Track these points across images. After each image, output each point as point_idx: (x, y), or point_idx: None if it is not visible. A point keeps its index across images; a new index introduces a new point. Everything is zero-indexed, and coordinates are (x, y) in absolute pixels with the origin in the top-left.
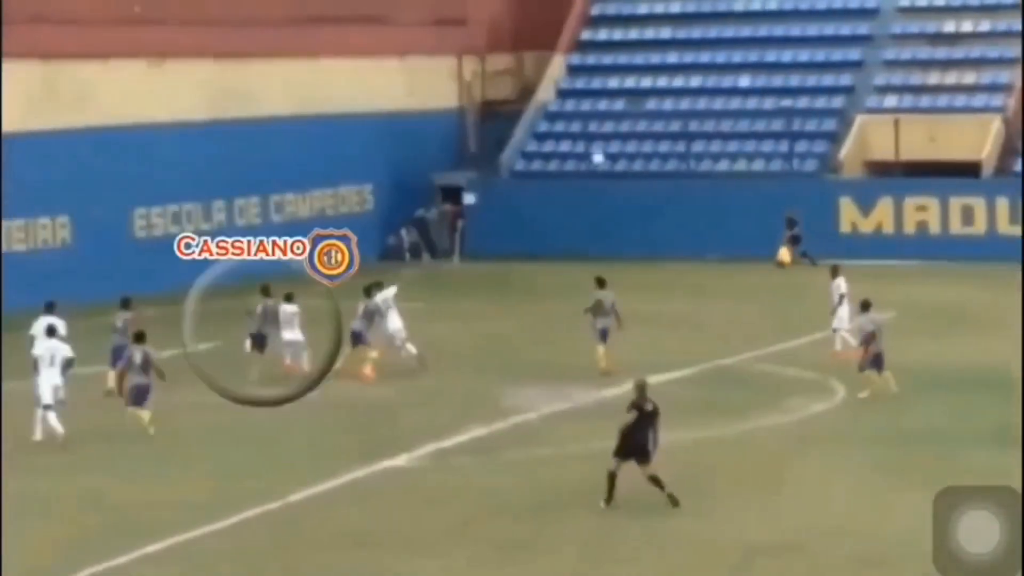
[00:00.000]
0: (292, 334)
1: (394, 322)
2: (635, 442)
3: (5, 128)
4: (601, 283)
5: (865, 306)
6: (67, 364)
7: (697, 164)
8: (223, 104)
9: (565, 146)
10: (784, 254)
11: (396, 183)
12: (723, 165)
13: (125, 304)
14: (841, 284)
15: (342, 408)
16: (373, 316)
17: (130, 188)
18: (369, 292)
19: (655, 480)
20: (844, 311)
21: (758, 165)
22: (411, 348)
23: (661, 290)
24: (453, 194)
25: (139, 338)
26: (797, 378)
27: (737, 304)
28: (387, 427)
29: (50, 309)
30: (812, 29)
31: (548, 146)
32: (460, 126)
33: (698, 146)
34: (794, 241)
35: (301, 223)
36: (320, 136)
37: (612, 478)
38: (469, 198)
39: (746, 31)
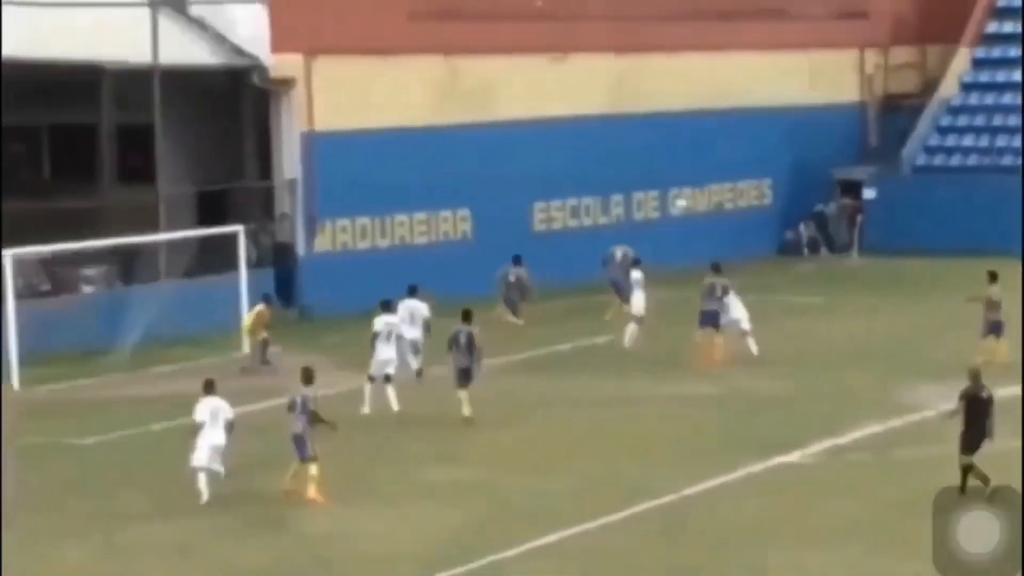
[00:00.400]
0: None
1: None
2: (972, 431)
3: (410, 123)
4: (993, 277)
5: None
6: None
7: None
8: (622, 98)
9: (968, 141)
10: None
11: (796, 177)
12: None
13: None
14: None
15: (739, 402)
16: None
17: (529, 182)
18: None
19: (971, 469)
20: None
21: None
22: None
23: None
24: (853, 189)
25: (466, 317)
26: None
27: None
28: (783, 422)
29: (386, 307)
30: None
31: (951, 140)
32: (861, 120)
33: None
34: None
35: (698, 218)
36: (719, 130)
37: (965, 472)
38: (869, 193)
39: None
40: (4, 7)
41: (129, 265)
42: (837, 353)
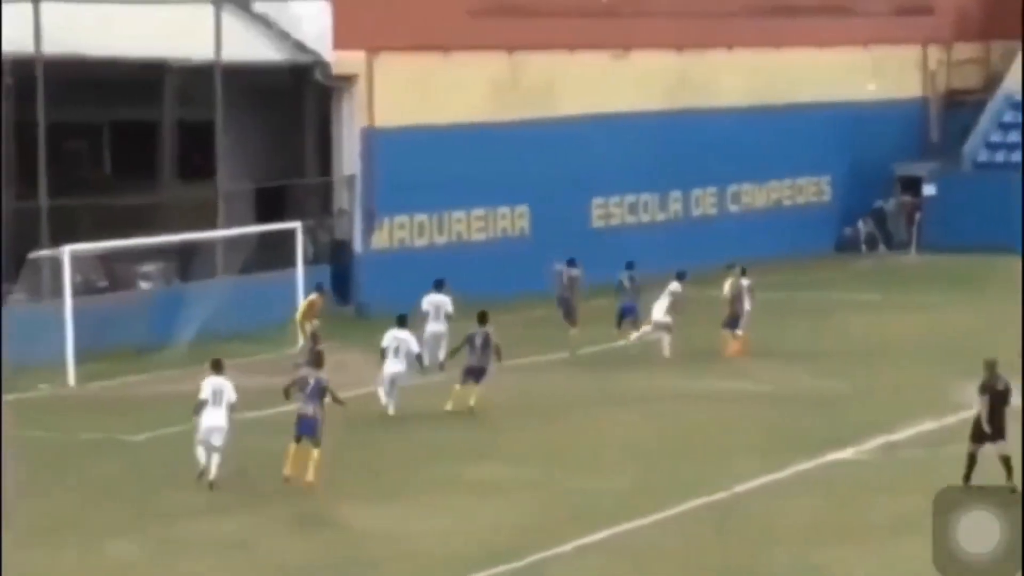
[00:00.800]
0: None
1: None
2: (994, 422)
3: (469, 119)
4: None
5: None
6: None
7: None
8: (682, 94)
9: None
10: None
11: (855, 173)
12: None
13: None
14: None
15: (793, 399)
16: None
17: (589, 178)
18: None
19: (1005, 461)
20: None
21: None
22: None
23: None
24: (913, 185)
25: (482, 319)
26: None
27: None
28: (837, 419)
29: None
30: None
31: (1013, 137)
32: (922, 116)
33: None
34: None
35: (757, 214)
36: (779, 126)
37: (971, 460)
38: (929, 189)
39: None
40: (72, 3)
41: (187, 262)
42: (893, 350)
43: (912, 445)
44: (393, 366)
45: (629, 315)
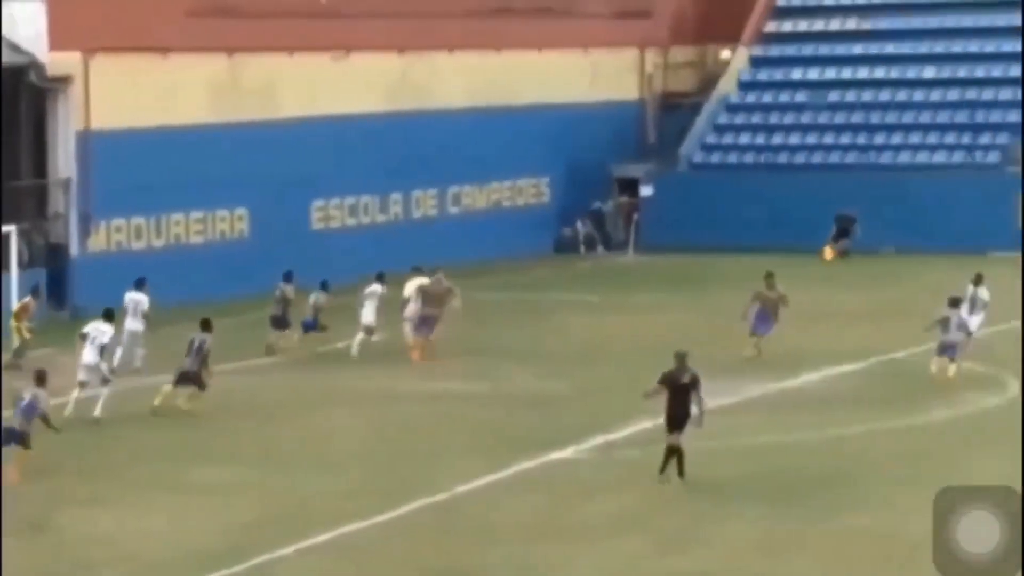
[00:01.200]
0: None
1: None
2: (675, 413)
3: (188, 121)
4: (770, 277)
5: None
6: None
7: (878, 156)
8: (403, 96)
9: (745, 138)
10: (828, 251)
11: (574, 175)
12: (904, 157)
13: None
14: (984, 294)
15: (514, 400)
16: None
17: (309, 180)
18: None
19: (673, 450)
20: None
21: (940, 157)
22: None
23: (836, 282)
24: (630, 186)
25: (205, 325)
26: (970, 372)
27: (912, 296)
28: (557, 419)
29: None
30: (1001, 20)
31: (728, 138)
32: (640, 118)
33: (879, 138)
34: (841, 236)
35: (478, 215)
36: (499, 128)
37: (668, 451)
38: (646, 190)
39: (932, 22)
40: None
41: None
42: (611, 350)
43: (630, 444)
44: (87, 356)
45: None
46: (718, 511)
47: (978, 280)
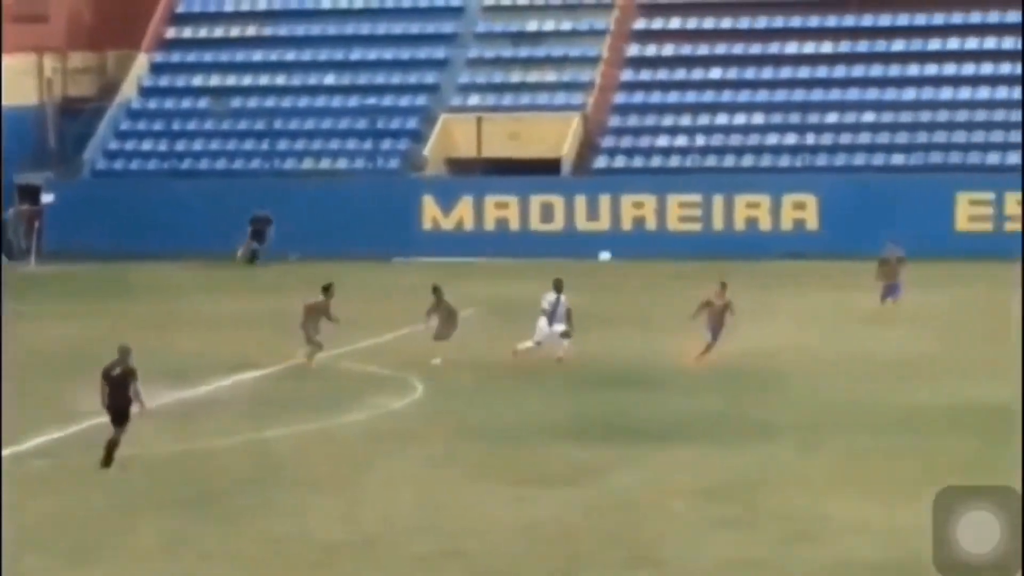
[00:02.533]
0: None
1: None
2: (115, 406)
3: None
4: (327, 289)
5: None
6: None
7: (282, 163)
8: None
9: (148, 145)
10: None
11: None
12: (307, 163)
13: None
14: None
15: None
16: None
17: None
18: None
19: (113, 445)
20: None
21: (342, 163)
22: None
23: (255, 288)
24: (32, 193)
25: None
26: (379, 375)
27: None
28: None
29: None
30: (397, 27)
31: (131, 144)
32: (40, 124)
33: (282, 144)
34: (256, 238)
35: None
36: None
37: (109, 445)
38: (48, 197)
39: (331, 29)
40: None
41: None
42: (19, 360)
43: (37, 455)
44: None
45: None
46: (127, 521)
47: (559, 286)
